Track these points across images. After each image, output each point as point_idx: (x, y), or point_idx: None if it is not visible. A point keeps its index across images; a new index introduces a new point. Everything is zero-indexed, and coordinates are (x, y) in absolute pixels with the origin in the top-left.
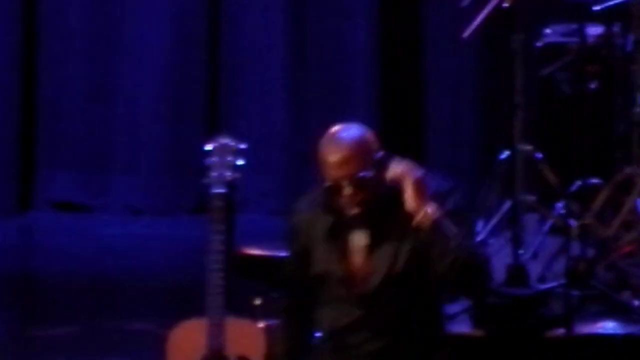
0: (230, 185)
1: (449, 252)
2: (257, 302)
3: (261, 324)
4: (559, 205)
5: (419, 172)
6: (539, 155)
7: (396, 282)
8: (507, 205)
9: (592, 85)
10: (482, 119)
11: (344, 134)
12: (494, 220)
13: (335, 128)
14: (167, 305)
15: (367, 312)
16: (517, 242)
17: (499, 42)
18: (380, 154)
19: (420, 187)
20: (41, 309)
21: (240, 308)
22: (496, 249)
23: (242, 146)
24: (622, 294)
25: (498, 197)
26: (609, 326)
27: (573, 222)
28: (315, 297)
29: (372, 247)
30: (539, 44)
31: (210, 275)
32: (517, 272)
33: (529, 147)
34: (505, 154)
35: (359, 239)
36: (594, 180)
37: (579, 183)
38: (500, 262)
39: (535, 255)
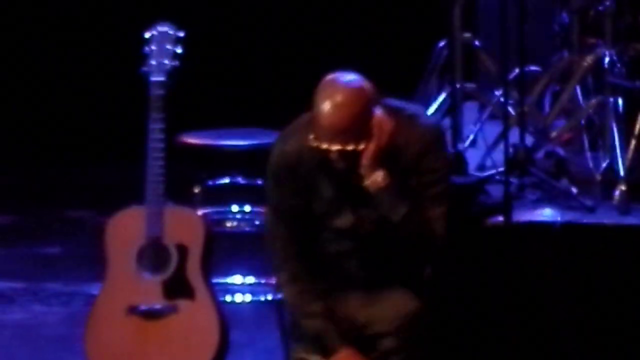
0: (169, 73)
1: (389, 222)
2: (196, 190)
3: (200, 212)
4: (498, 92)
5: (385, 138)
6: (478, 42)
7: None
8: (446, 93)
9: None
10: (419, 7)
11: (344, 97)
12: (432, 109)
13: (334, 81)
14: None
15: (361, 245)
16: (455, 130)
17: None
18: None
19: (380, 152)
20: None
21: (179, 196)
22: None
23: (181, 34)
24: (560, 181)
25: (437, 85)
26: (547, 213)
27: (512, 110)
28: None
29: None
30: None
31: (150, 163)
32: (456, 160)
33: (467, 35)
34: (444, 42)
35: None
36: (533, 68)
37: (517, 70)
38: None
39: (474, 143)
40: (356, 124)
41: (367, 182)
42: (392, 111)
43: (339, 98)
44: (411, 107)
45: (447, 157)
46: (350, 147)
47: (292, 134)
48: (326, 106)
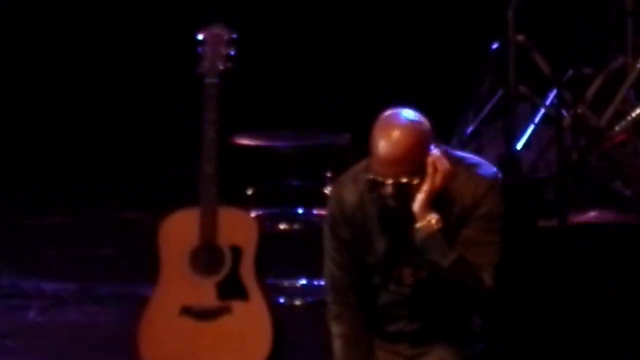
0: (222, 74)
1: (437, 267)
2: (250, 191)
3: (253, 214)
4: (552, 94)
5: (441, 179)
6: (531, 44)
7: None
8: (500, 94)
9: None
10: (475, 8)
11: (401, 129)
12: (486, 110)
13: (392, 115)
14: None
15: (413, 293)
16: (509, 131)
17: None
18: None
19: (434, 195)
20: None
21: (233, 197)
22: (489, 139)
23: (234, 36)
24: (614, 183)
25: (491, 86)
26: (601, 215)
27: (565, 112)
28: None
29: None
30: None
31: (203, 164)
32: (510, 162)
33: (521, 37)
34: (498, 43)
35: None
36: (587, 69)
37: (571, 72)
38: (492, 151)
39: (527, 145)
40: (410, 156)
41: (419, 225)
42: (451, 160)
43: (396, 130)
44: (473, 158)
45: (502, 209)
46: (403, 179)
47: (350, 181)
48: (383, 138)
